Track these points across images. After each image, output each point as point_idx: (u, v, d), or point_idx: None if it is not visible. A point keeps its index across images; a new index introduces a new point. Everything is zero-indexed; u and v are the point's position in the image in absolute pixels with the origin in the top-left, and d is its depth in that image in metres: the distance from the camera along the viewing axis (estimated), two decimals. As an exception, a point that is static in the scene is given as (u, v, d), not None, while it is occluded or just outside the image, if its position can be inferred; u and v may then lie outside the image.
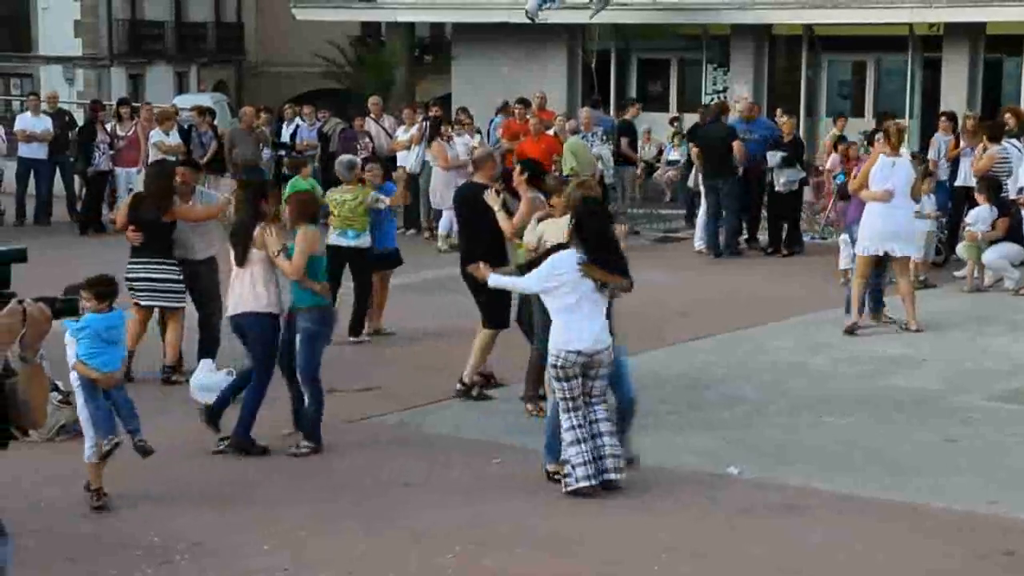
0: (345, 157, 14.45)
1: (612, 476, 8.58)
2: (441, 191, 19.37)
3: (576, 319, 8.54)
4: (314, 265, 9.68)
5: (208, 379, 10.93)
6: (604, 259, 8.61)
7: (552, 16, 27.54)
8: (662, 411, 10.38)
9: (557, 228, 9.40)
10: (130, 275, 11.69)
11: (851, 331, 13.24)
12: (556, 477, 8.68)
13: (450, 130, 20.29)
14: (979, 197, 16.19)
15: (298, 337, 9.64)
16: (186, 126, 22.67)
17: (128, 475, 9.06)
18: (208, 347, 11.81)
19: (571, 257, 8.59)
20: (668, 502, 8.49)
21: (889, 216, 13.26)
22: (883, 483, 8.79)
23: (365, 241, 13.23)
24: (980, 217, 16.09)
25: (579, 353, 8.52)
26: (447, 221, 18.85)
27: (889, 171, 13.27)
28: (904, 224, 13.41)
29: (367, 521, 8.12)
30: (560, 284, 8.59)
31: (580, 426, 8.53)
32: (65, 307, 4.92)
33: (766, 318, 14.26)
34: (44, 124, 22.47)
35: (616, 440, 8.67)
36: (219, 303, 11.72)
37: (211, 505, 8.46)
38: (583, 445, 8.50)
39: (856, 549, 7.63)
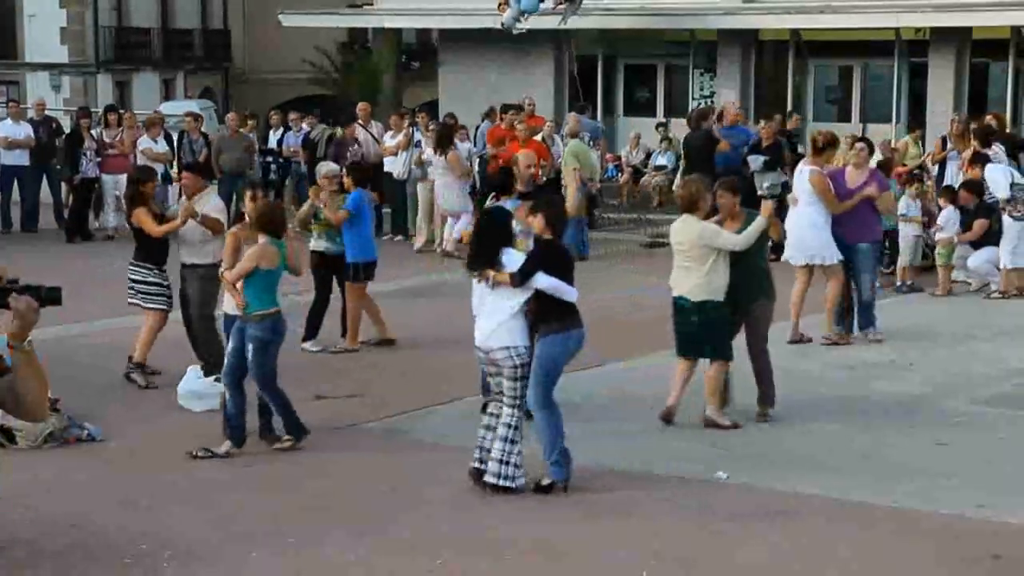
0: (324, 164, 14.40)
1: (490, 479, 8.68)
2: (451, 196, 19.23)
3: (480, 316, 8.78)
4: (266, 279, 9.68)
5: (195, 386, 10.93)
6: (483, 257, 8.74)
7: (538, 22, 27.56)
8: (650, 416, 10.38)
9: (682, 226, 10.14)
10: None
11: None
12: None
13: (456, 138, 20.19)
14: (941, 200, 16.34)
15: (250, 346, 9.61)
16: (174, 134, 22.64)
17: (116, 483, 9.05)
18: (198, 353, 11.75)
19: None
20: (656, 507, 8.49)
21: (790, 225, 13.29)
22: (872, 488, 8.79)
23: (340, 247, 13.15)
24: (947, 219, 16.17)
25: (478, 348, 8.75)
26: (462, 223, 18.76)
27: (799, 179, 13.34)
28: (798, 233, 13.21)
29: (355, 528, 8.11)
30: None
31: (490, 414, 8.84)
32: (50, 296, 4.91)
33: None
34: (25, 131, 22.40)
35: (507, 448, 8.64)
36: (201, 311, 11.68)
37: (199, 513, 8.44)
38: (481, 431, 8.82)
39: (845, 554, 7.64)
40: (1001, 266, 15.82)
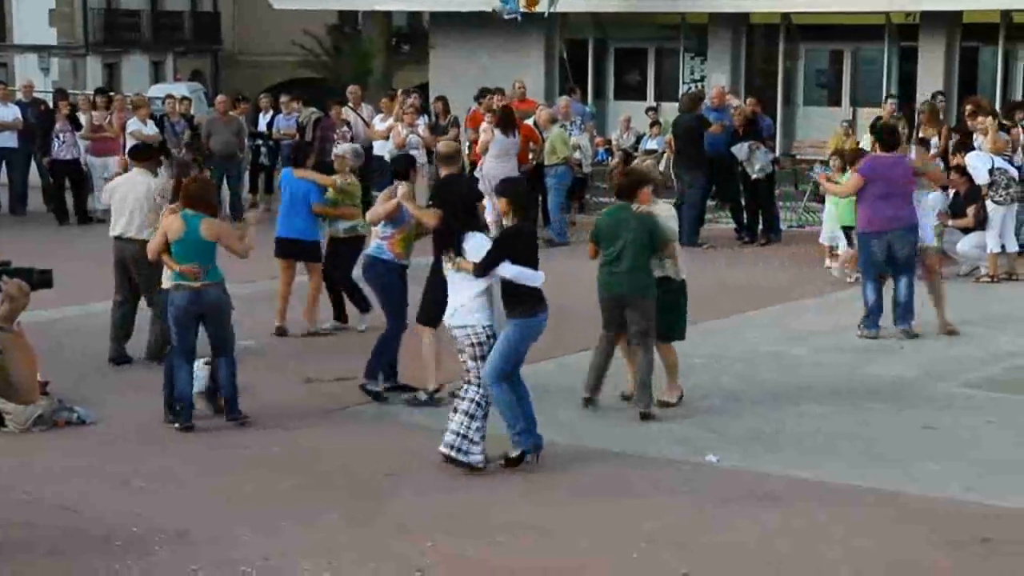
0: (350, 145, 14.33)
1: (443, 449, 8.78)
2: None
3: (449, 294, 8.87)
4: (172, 249, 9.88)
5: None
6: (445, 240, 8.83)
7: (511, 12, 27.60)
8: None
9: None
10: None
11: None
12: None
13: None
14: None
15: None
16: (158, 116, 22.57)
17: (108, 466, 9.05)
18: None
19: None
20: (647, 490, 8.51)
21: None
22: (862, 471, 8.83)
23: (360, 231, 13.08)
24: (934, 204, 16.18)
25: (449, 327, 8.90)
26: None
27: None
28: None
29: (348, 511, 8.12)
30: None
31: (459, 398, 8.94)
32: (41, 279, 4.90)
33: (745, 307, 14.31)
34: (13, 113, 22.27)
35: (465, 422, 8.71)
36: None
37: (192, 496, 8.45)
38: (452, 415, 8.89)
39: (835, 537, 7.66)
40: (988, 250, 15.88)
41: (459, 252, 8.74)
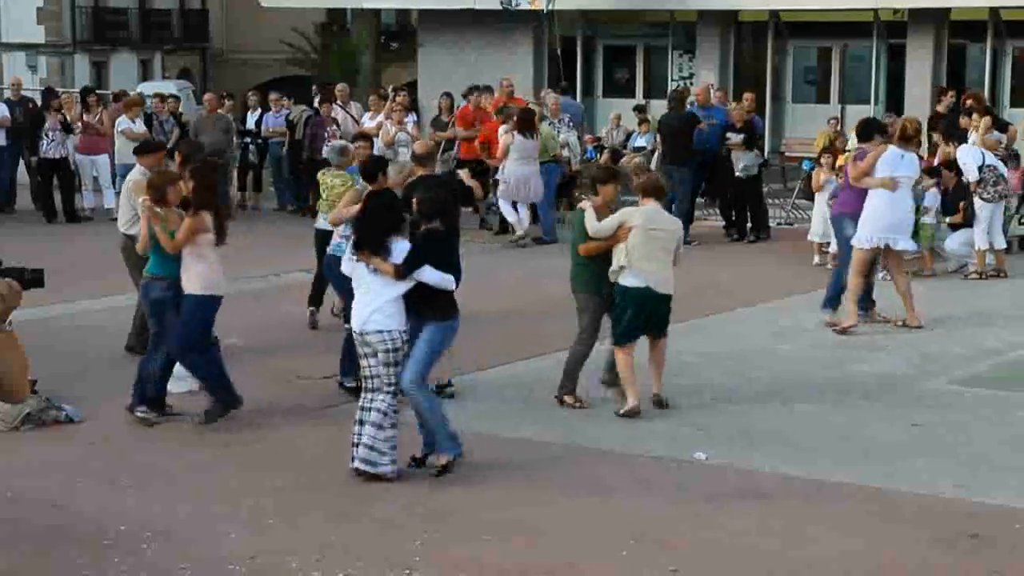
0: (337, 142, 14.25)
1: (358, 465, 8.62)
2: (539, 181, 18.77)
3: (357, 299, 8.70)
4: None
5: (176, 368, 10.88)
6: (369, 242, 8.61)
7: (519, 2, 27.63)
8: (630, 397, 10.39)
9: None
10: None
11: (844, 332, 12.85)
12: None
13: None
14: (926, 182, 16.38)
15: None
16: (147, 114, 22.53)
17: (95, 464, 9.03)
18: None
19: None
20: (635, 488, 8.52)
21: (894, 207, 13.01)
22: (850, 468, 8.84)
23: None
24: (929, 202, 16.20)
25: (355, 331, 8.70)
26: (524, 211, 18.76)
27: (898, 163, 12.96)
28: (906, 217, 13.13)
29: (334, 509, 8.12)
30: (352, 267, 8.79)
31: (361, 408, 8.74)
32: (33, 278, 4.92)
33: (734, 304, 14.32)
34: (1, 110, 22.20)
35: (375, 434, 8.58)
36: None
37: (179, 493, 8.44)
38: (356, 427, 8.72)
39: (823, 534, 7.68)
40: (976, 247, 15.91)
41: (381, 253, 8.55)
